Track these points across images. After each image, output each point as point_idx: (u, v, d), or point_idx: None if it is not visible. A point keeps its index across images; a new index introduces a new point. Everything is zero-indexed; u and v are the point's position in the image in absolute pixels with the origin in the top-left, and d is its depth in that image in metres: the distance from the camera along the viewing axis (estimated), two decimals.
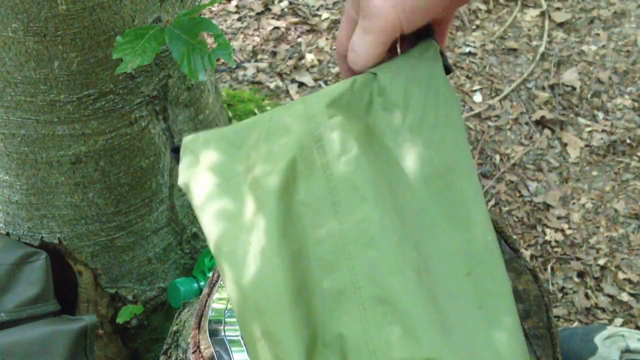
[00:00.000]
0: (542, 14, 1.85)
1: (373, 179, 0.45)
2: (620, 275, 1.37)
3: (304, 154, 0.46)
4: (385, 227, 0.44)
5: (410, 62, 0.50)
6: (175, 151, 0.50)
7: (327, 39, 1.76)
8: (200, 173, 0.48)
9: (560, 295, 1.35)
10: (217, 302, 0.71)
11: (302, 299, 0.43)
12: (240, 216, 0.45)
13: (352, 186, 0.45)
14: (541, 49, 1.76)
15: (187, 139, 0.49)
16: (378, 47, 0.48)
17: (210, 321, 0.69)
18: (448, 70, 0.51)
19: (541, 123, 1.62)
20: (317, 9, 1.83)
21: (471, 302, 0.45)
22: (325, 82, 1.67)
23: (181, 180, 0.49)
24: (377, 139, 0.48)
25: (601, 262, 1.39)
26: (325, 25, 1.79)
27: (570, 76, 1.71)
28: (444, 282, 0.44)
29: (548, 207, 1.47)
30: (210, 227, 0.46)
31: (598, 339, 1.02)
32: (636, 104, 1.66)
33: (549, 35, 1.80)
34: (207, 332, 0.68)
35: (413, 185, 0.47)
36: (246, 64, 1.71)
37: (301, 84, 1.66)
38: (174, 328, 0.81)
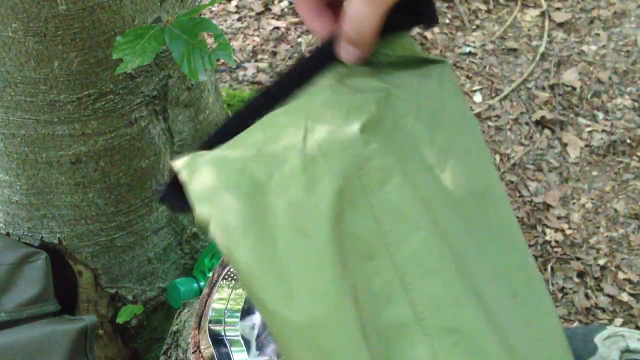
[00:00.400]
0: (542, 14, 1.85)
1: (419, 207, 0.44)
2: (620, 275, 1.37)
3: (349, 184, 0.43)
4: (443, 255, 0.43)
5: (426, 81, 0.49)
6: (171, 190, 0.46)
7: None
8: (223, 206, 0.43)
9: (560, 295, 1.35)
10: (217, 302, 0.71)
11: (366, 336, 0.41)
12: (279, 251, 0.42)
13: (400, 215, 0.43)
14: (541, 49, 1.76)
15: (185, 163, 0.45)
16: (380, 20, 0.44)
17: (210, 321, 0.69)
18: (433, 19, 0.49)
19: (541, 123, 1.62)
20: None
21: (522, 323, 0.45)
22: None
23: (201, 213, 0.43)
24: (410, 163, 0.46)
25: (601, 262, 1.39)
26: None
27: (570, 76, 1.71)
28: (495, 306, 0.44)
29: (548, 207, 1.47)
30: (249, 264, 0.42)
31: (598, 339, 1.02)
32: (636, 104, 1.66)
33: (549, 35, 1.80)
34: (207, 332, 0.68)
35: (452, 210, 0.46)
36: (246, 64, 1.71)
37: None
38: (174, 328, 0.81)
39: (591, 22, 1.84)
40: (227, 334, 0.67)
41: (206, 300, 0.71)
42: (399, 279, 0.42)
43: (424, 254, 0.43)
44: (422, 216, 0.43)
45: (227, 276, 0.70)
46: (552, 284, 1.36)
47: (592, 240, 1.42)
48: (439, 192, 0.46)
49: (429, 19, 0.49)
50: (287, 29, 1.79)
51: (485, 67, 1.73)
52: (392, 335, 0.42)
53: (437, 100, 0.49)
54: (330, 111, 0.45)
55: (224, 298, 0.70)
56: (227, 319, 0.68)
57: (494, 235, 0.46)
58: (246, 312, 0.70)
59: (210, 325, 0.68)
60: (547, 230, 1.44)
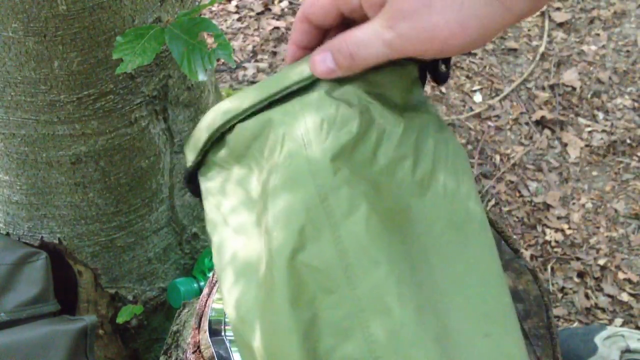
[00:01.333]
0: (542, 14, 1.85)
1: (385, 239, 0.42)
2: (620, 275, 1.37)
3: (311, 216, 0.42)
4: (402, 295, 0.41)
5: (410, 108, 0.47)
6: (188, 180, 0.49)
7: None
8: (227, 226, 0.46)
9: (560, 295, 1.35)
10: (217, 302, 0.71)
11: None
12: (256, 276, 0.44)
13: (363, 248, 0.42)
14: (541, 49, 1.76)
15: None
16: (384, 60, 0.41)
17: (210, 321, 0.69)
18: (446, 77, 0.48)
19: (541, 123, 1.62)
20: None
21: None
22: None
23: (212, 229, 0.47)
24: (387, 191, 0.44)
25: (601, 262, 1.39)
26: None
27: (570, 76, 1.71)
28: (464, 344, 0.43)
29: (548, 207, 1.47)
30: (230, 288, 0.45)
31: (598, 339, 1.02)
32: (636, 104, 1.66)
33: (549, 35, 1.80)
34: (207, 332, 0.68)
35: (427, 241, 0.44)
36: (246, 64, 1.71)
37: None
38: (174, 328, 0.81)
39: (591, 22, 1.84)
40: (227, 334, 0.67)
41: (206, 300, 0.71)
42: (357, 314, 0.41)
43: (383, 292, 0.41)
44: (386, 250, 0.42)
45: None
46: (552, 284, 1.36)
47: (592, 240, 1.42)
48: (414, 224, 0.44)
49: (443, 78, 0.48)
50: (287, 29, 1.79)
51: (485, 67, 1.73)
52: None
53: (422, 121, 0.47)
54: (308, 133, 0.44)
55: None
56: (227, 319, 0.68)
57: (471, 269, 0.44)
58: None
59: (210, 325, 0.68)
60: (547, 230, 1.44)
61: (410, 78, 0.47)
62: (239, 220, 0.46)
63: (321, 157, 0.43)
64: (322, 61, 0.43)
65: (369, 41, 0.40)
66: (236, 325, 0.45)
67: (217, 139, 0.47)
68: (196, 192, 0.50)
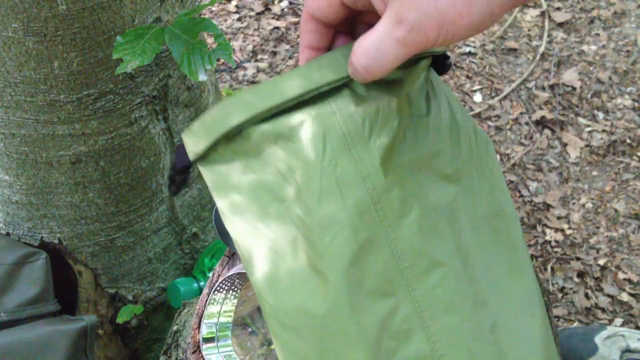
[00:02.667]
0: (542, 14, 1.85)
1: (439, 238, 0.43)
2: (620, 275, 1.37)
3: (365, 220, 0.42)
4: (461, 291, 0.42)
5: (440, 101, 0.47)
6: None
7: None
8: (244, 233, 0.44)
9: (560, 295, 1.35)
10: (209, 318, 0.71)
11: None
12: (304, 286, 0.42)
13: (419, 250, 0.42)
14: (541, 49, 1.76)
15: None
16: (402, 60, 0.40)
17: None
18: (448, 67, 0.49)
19: (541, 123, 1.62)
20: None
21: (540, 345, 0.45)
22: None
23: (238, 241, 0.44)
24: (430, 187, 0.45)
25: (601, 262, 1.39)
26: None
27: (570, 76, 1.71)
28: (512, 329, 0.44)
29: (548, 207, 1.47)
30: (269, 298, 0.43)
31: (598, 339, 1.02)
32: (636, 104, 1.66)
33: (549, 35, 1.80)
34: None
35: (469, 233, 0.45)
36: (246, 64, 1.71)
37: None
38: (174, 328, 0.81)
39: (591, 22, 1.84)
40: (219, 342, 0.67)
41: (206, 300, 0.71)
42: (418, 315, 0.42)
43: (443, 290, 0.42)
44: (441, 250, 0.43)
45: (220, 288, 0.69)
46: (552, 284, 1.36)
47: (592, 240, 1.42)
48: (457, 218, 0.45)
49: (444, 69, 0.49)
50: (287, 29, 1.79)
51: (485, 67, 1.73)
52: None
53: (449, 112, 0.48)
54: (350, 133, 0.42)
55: (214, 313, 0.69)
56: (219, 334, 0.68)
57: (509, 258, 0.46)
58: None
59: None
60: (547, 230, 1.44)
61: (426, 70, 0.47)
62: (263, 222, 0.44)
63: (369, 158, 0.42)
64: (355, 72, 0.42)
65: (382, 47, 0.39)
66: (276, 328, 0.43)
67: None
68: (185, 181, 0.49)
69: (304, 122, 0.42)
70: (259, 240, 0.43)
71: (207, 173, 0.45)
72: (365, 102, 0.43)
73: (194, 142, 0.44)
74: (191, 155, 0.45)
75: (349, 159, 0.42)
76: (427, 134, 0.45)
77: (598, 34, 1.80)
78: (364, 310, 0.41)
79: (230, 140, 0.43)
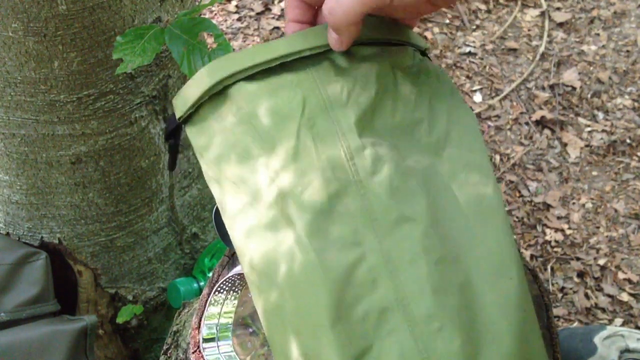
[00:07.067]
0: (542, 14, 1.85)
1: (409, 196, 0.45)
2: (620, 275, 1.37)
3: (337, 174, 0.45)
4: (429, 246, 0.44)
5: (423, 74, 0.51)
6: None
7: None
8: (228, 183, 0.47)
9: (560, 295, 1.35)
10: (210, 319, 0.71)
11: (343, 318, 0.42)
12: (275, 233, 0.45)
13: (387, 205, 0.44)
14: (541, 49, 1.76)
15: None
16: (364, 6, 0.44)
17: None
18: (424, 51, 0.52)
19: (541, 123, 1.62)
20: None
21: (515, 308, 0.45)
22: None
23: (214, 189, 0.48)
24: (406, 151, 0.48)
25: (601, 262, 1.39)
26: None
27: (570, 76, 1.71)
28: (486, 290, 0.45)
29: (548, 207, 1.47)
30: (242, 242, 0.46)
31: (598, 339, 1.02)
32: (636, 104, 1.66)
33: (549, 35, 1.80)
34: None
35: (447, 196, 0.47)
36: None
37: None
38: (174, 328, 0.81)
39: (591, 22, 1.84)
40: (219, 342, 0.67)
41: (206, 300, 0.71)
42: (384, 265, 0.43)
43: (411, 243, 0.44)
44: (410, 206, 0.45)
45: (220, 289, 0.69)
46: (552, 284, 1.36)
47: (592, 240, 1.43)
48: (433, 181, 0.47)
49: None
50: None
51: (485, 67, 1.73)
52: (375, 318, 0.43)
53: (436, 86, 0.51)
54: (329, 97, 0.47)
55: (214, 314, 0.69)
56: (219, 334, 0.68)
57: (489, 221, 0.47)
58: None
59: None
60: (547, 230, 1.44)
61: (414, 53, 0.52)
62: (240, 176, 0.47)
63: (345, 120, 0.46)
64: (330, 37, 0.47)
65: (340, 5, 0.43)
66: (253, 278, 0.45)
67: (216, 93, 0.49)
68: (175, 148, 0.54)
69: (286, 85, 0.47)
70: (238, 193, 0.47)
71: (193, 134, 0.49)
72: (344, 72, 0.48)
73: (182, 103, 0.49)
74: (178, 113, 0.49)
75: (326, 120, 0.46)
76: (408, 104, 0.49)
77: (598, 34, 1.80)
78: (330, 257, 0.43)
79: (213, 100, 0.48)
